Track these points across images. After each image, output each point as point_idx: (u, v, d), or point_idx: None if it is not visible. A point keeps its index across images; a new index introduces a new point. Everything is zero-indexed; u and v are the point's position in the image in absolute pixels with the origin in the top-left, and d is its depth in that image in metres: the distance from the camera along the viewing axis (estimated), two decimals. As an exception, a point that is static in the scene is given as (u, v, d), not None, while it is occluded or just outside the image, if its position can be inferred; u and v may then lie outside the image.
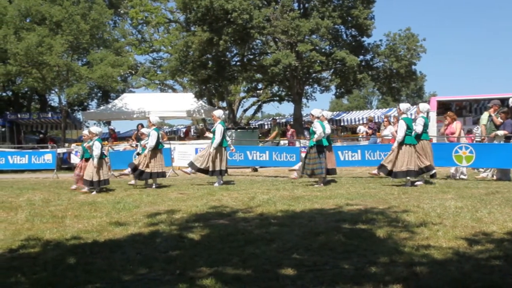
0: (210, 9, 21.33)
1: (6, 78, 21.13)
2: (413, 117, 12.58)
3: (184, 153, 19.35)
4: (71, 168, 20.23)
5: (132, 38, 32.84)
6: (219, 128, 11.91)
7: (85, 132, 12.47)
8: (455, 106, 19.37)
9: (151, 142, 11.78)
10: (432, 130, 17.09)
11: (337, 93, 27.44)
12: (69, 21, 20.54)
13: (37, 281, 4.26)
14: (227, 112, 31.89)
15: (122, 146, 18.90)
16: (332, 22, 21.92)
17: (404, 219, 6.38)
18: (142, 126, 19.01)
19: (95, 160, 11.08)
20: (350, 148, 14.61)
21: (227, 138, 12.54)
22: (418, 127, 10.59)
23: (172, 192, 10.57)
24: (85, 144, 11.67)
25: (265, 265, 4.53)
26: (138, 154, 12.67)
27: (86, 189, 11.14)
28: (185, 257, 4.87)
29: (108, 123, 30.37)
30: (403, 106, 10.97)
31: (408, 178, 10.40)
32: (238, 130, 19.60)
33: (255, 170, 16.46)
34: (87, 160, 11.68)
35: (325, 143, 11.32)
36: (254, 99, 36.35)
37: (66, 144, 22.45)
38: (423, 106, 11.29)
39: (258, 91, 34.49)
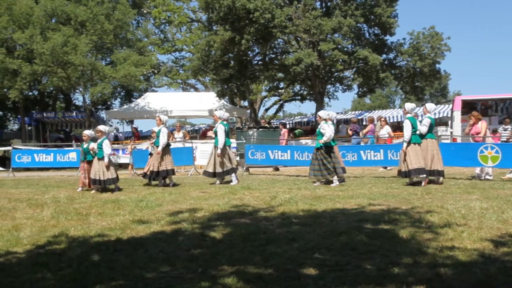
0: (232, 8, 21.36)
1: (32, 77, 21.49)
2: (419, 117, 12.56)
3: (206, 152, 19.43)
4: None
5: (155, 38, 33.06)
6: (220, 128, 11.96)
7: (86, 132, 11.80)
8: (481, 105, 19.10)
9: (163, 139, 11.72)
10: (457, 130, 16.92)
11: (360, 92, 27.25)
12: (93, 21, 20.80)
13: (62, 277, 4.33)
14: (248, 111, 31.92)
15: (145, 145, 19.05)
16: (354, 21, 21.77)
17: (427, 219, 6.31)
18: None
19: (106, 159, 10.80)
20: (372, 147, 14.51)
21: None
22: (422, 128, 10.84)
23: (194, 191, 10.62)
24: (90, 146, 11.19)
25: (287, 264, 4.52)
26: (151, 154, 12.39)
27: (93, 191, 10.89)
28: (207, 256, 4.90)
29: (131, 122, 30.71)
30: (408, 106, 11.15)
31: (422, 176, 10.58)
32: (260, 129, 19.61)
33: (277, 169, 16.46)
34: (89, 162, 11.27)
35: (333, 143, 11.53)
36: (276, 98, 36.30)
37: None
38: (430, 106, 11.57)
39: (280, 90, 34.43)
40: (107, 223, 6.86)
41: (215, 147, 11.95)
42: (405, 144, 10.67)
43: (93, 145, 11.08)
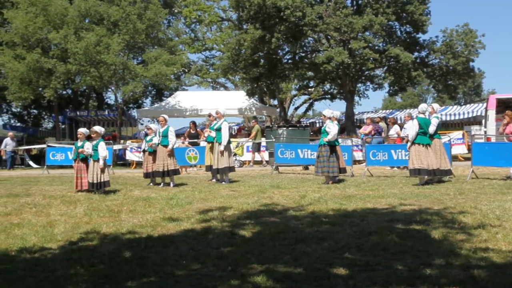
0: (263, 6, 21.35)
1: (66, 76, 21.89)
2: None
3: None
4: (126, 164, 20.84)
5: (186, 37, 33.31)
6: (225, 125, 12.18)
7: (81, 130, 11.00)
8: (516, 104, 18.61)
9: (173, 138, 11.74)
10: (491, 129, 16.56)
11: (391, 91, 26.92)
12: (125, 21, 21.08)
13: (95, 272, 4.41)
14: (278, 110, 31.89)
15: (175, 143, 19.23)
16: (386, 19, 21.48)
17: (460, 220, 6.19)
18: (195, 124, 19.33)
19: (101, 162, 10.22)
20: (403, 147, 14.31)
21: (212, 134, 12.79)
22: (431, 127, 10.95)
23: (224, 189, 10.68)
24: (85, 146, 10.54)
25: (317, 263, 4.50)
26: (144, 151, 12.20)
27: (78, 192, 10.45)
28: (236, 254, 4.91)
29: (161, 120, 31.03)
30: (421, 107, 11.31)
31: (422, 176, 10.70)
32: (289, 128, 19.59)
33: (306, 168, 16.39)
34: (82, 160, 10.74)
35: (337, 143, 11.79)
36: (306, 97, 36.17)
37: (122, 141, 23.09)
38: (436, 106, 11.77)
39: (309, 89, 34.29)
40: (138, 220, 6.95)
41: (219, 143, 12.13)
42: (409, 144, 10.88)
43: (88, 146, 10.47)
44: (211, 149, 12.57)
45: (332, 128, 11.40)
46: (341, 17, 21.26)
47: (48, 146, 19.73)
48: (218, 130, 12.18)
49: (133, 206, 8.41)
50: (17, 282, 4.22)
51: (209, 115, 13.70)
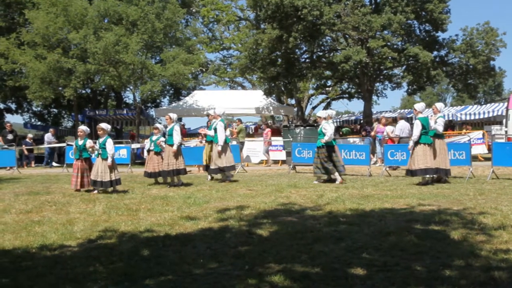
0: (280, 6, 21.31)
1: (85, 76, 22.09)
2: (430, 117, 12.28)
3: (253, 150, 19.56)
4: (143, 163, 20.96)
5: (203, 37, 33.40)
6: (220, 125, 12.26)
7: (82, 128, 11.25)
8: (538, 103, 18.34)
9: (177, 137, 11.67)
10: (512, 129, 16.33)
11: (409, 90, 26.64)
12: (144, 20, 21.20)
13: (114, 270, 4.45)
14: (295, 109, 31.81)
15: (193, 142, 19.29)
16: (405, 17, 21.28)
17: (480, 221, 6.12)
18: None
19: (109, 159, 10.36)
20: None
21: (227, 133, 12.96)
22: (439, 127, 10.96)
23: (241, 188, 10.69)
24: (87, 143, 10.77)
25: (334, 263, 4.49)
26: (149, 151, 12.25)
27: (95, 191, 10.46)
28: (254, 253, 4.92)
29: (179, 119, 31.21)
30: (419, 106, 11.26)
31: (428, 176, 10.73)
32: (307, 128, 19.53)
33: (324, 167, 16.32)
34: (85, 160, 10.90)
35: (334, 143, 11.97)
36: (323, 96, 36.03)
37: (140, 140, 23.24)
38: (440, 105, 11.73)
39: (327, 88, 34.14)
40: (156, 219, 7.00)
41: (216, 144, 12.26)
42: (411, 143, 10.82)
43: (91, 143, 10.69)
44: (211, 148, 12.61)
45: (328, 129, 11.55)
46: (359, 15, 21.12)
47: (68, 144, 19.93)
48: (215, 130, 12.32)
49: (151, 204, 8.47)
50: (38, 278, 4.28)
51: (208, 115, 13.83)
